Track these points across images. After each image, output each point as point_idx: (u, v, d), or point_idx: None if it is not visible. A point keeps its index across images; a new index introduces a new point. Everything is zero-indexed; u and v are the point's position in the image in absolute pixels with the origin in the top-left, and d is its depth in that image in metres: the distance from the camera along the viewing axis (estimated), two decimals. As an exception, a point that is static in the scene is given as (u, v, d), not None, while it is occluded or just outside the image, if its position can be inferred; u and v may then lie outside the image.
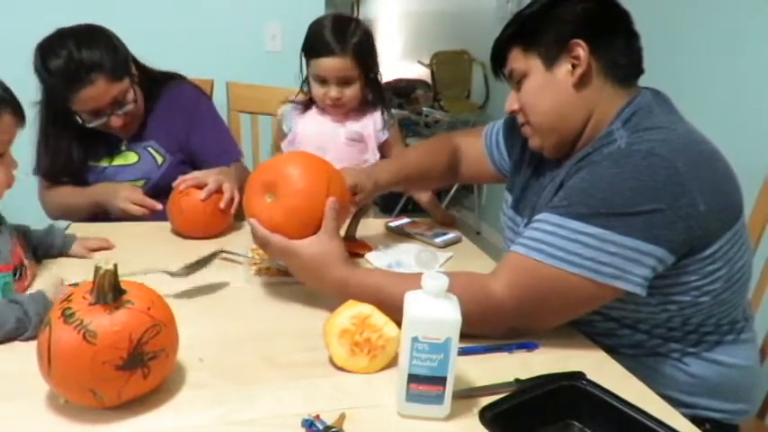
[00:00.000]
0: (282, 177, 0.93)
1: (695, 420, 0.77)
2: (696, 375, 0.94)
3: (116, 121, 1.39)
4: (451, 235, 1.34)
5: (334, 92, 1.46)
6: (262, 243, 0.95)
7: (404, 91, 4.50)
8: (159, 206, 1.35)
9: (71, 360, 0.65)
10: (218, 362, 0.81)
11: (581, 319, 0.91)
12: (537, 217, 0.88)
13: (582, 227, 0.82)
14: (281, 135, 1.60)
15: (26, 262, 1.02)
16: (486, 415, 0.67)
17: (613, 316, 0.94)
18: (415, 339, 0.68)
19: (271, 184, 0.94)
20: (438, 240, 1.31)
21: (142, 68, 1.50)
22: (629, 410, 0.70)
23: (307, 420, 0.68)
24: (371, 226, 1.39)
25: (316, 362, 0.82)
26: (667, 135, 0.85)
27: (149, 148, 1.52)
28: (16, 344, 0.83)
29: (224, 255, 1.17)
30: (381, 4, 6.23)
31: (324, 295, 0.94)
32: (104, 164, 1.51)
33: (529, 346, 0.88)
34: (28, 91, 1.49)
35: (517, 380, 0.78)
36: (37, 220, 1.56)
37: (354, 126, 1.54)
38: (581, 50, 0.91)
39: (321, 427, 0.67)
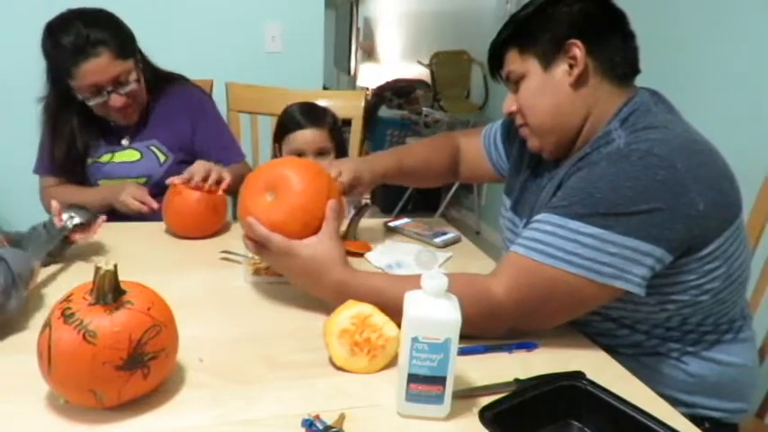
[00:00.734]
0: (284, 177, 0.93)
1: (694, 419, 0.78)
2: (695, 374, 0.94)
3: (117, 100, 1.40)
4: (451, 235, 1.34)
5: None
6: (261, 242, 0.92)
7: (403, 91, 4.51)
8: (156, 205, 1.36)
9: (71, 360, 0.65)
10: (218, 362, 0.81)
11: (580, 319, 0.91)
12: (536, 217, 0.88)
13: (581, 227, 0.82)
14: None
15: None
16: (485, 415, 0.67)
17: (612, 316, 0.94)
18: (414, 339, 0.68)
19: (271, 184, 0.93)
20: (438, 240, 1.31)
21: (148, 63, 1.52)
22: (629, 410, 0.70)
23: (307, 420, 0.68)
24: (371, 226, 1.39)
25: (316, 362, 0.82)
26: (665, 134, 0.85)
27: (152, 147, 1.53)
28: (16, 344, 0.83)
29: (223, 255, 1.17)
30: (381, 4, 6.24)
31: (319, 298, 0.94)
32: (105, 160, 1.51)
33: (529, 346, 0.89)
34: (31, 90, 1.50)
35: (517, 380, 0.78)
36: (36, 218, 1.57)
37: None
38: (578, 50, 0.92)
39: (321, 427, 0.67)
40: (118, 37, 1.38)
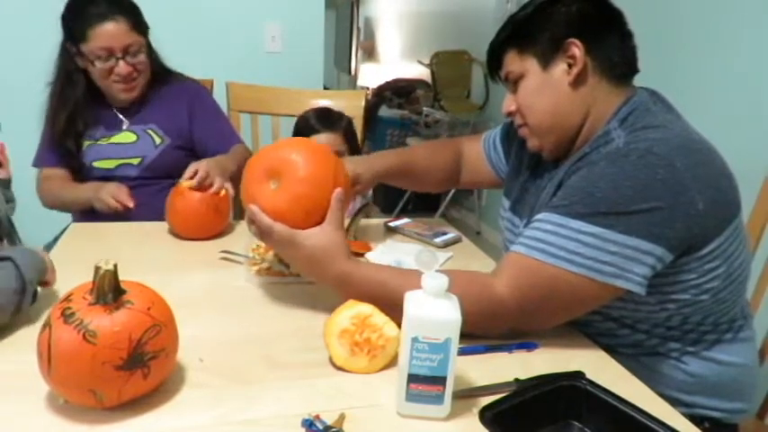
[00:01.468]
0: (288, 163, 0.89)
1: (694, 419, 0.78)
2: (695, 374, 0.94)
3: (124, 67, 1.46)
4: (451, 235, 1.34)
5: None
6: (264, 232, 0.90)
7: (404, 91, 4.51)
8: (132, 204, 1.38)
9: (71, 360, 0.65)
10: (218, 362, 0.81)
11: (580, 319, 0.91)
12: (537, 217, 0.88)
13: (582, 226, 0.82)
14: None
15: None
16: (485, 415, 0.67)
17: (613, 315, 0.94)
18: (414, 339, 0.68)
19: (274, 171, 0.90)
20: (438, 240, 1.31)
21: (154, 51, 1.58)
22: (629, 410, 0.70)
23: (307, 420, 0.68)
24: (371, 226, 1.40)
25: (316, 362, 0.82)
26: (664, 134, 0.86)
27: (149, 130, 1.57)
28: (16, 344, 0.83)
29: (224, 255, 1.17)
30: (382, 3, 6.24)
31: (323, 289, 0.93)
32: (103, 142, 1.54)
33: (529, 346, 0.89)
34: (32, 90, 1.50)
35: (517, 380, 0.78)
36: (36, 218, 1.57)
37: None
38: (576, 49, 0.92)
39: (321, 427, 0.67)
40: (136, 13, 1.49)
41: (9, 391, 0.73)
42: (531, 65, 0.96)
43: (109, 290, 0.67)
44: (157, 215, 1.31)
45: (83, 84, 1.50)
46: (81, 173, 1.55)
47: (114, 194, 1.39)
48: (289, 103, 1.86)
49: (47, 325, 0.67)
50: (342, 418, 0.69)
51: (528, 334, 0.90)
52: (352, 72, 6.69)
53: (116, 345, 0.65)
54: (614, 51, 0.94)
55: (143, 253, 1.21)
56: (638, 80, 0.99)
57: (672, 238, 0.81)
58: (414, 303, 0.70)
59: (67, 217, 1.60)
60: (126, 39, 1.44)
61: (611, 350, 0.91)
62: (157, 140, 1.56)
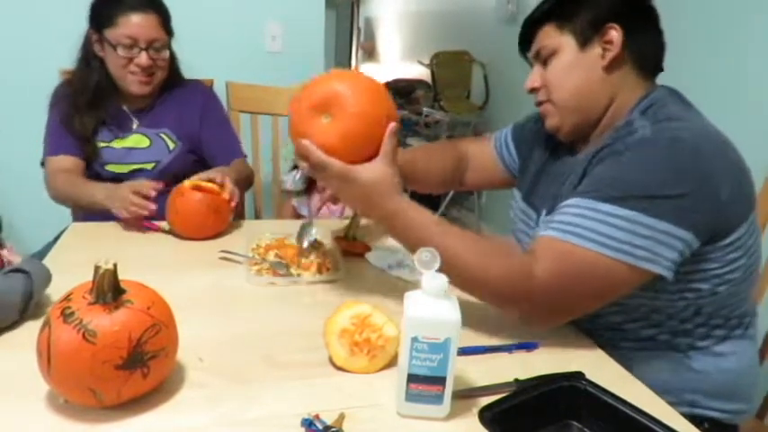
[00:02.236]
0: (340, 97, 0.87)
1: (694, 420, 0.78)
2: (699, 371, 0.94)
3: (145, 59, 1.47)
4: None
5: None
6: (317, 168, 0.89)
7: (404, 91, 4.50)
8: (153, 206, 1.32)
9: (71, 360, 0.65)
10: (218, 362, 0.81)
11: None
12: (566, 202, 0.88)
13: (614, 209, 0.82)
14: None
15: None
16: (485, 415, 0.67)
17: (631, 305, 0.93)
18: (414, 339, 0.68)
19: (326, 104, 0.87)
20: (438, 240, 1.31)
21: (174, 56, 1.60)
22: (629, 410, 0.70)
23: (306, 420, 0.68)
24: (371, 226, 1.39)
25: (316, 362, 0.82)
26: (687, 125, 0.87)
27: (162, 134, 1.57)
28: (16, 343, 0.83)
29: (224, 255, 1.17)
30: (382, 4, 6.24)
31: (323, 289, 0.93)
32: (116, 145, 1.54)
33: (529, 346, 0.89)
34: (31, 90, 1.50)
35: (517, 380, 0.78)
36: (36, 218, 1.57)
37: None
38: (615, 34, 0.93)
39: (321, 427, 0.67)
40: (167, 15, 1.53)
41: (9, 390, 0.73)
42: (567, 42, 0.97)
43: (108, 289, 0.67)
44: None
45: (99, 71, 1.50)
46: (92, 166, 1.53)
47: (133, 201, 1.30)
48: (289, 103, 1.86)
49: (46, 324, 0.67)
50: (341, 417, 0.69)
51: (533, 325, 0.90)
52: (353, 72, 6.68)
53: (116, 344, 0.65)
54: (648, 45, 0.96)
55: (143, 253, 1.21)
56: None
57: (699, 223, 0.82)
58: (413, 303, 0.70)
59: (68, 217, 1.60)
60: (153, 33, 1.47)
61: (613, 345, 0.91)
62: (171, 145, 1.57)
